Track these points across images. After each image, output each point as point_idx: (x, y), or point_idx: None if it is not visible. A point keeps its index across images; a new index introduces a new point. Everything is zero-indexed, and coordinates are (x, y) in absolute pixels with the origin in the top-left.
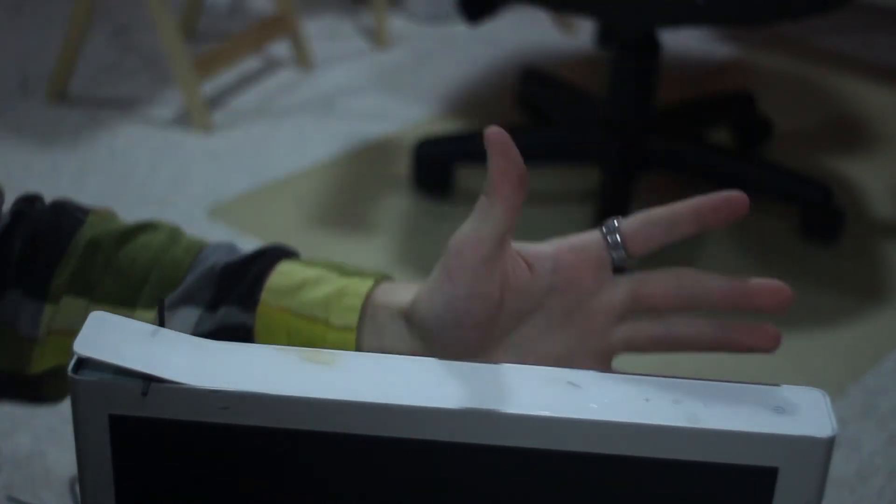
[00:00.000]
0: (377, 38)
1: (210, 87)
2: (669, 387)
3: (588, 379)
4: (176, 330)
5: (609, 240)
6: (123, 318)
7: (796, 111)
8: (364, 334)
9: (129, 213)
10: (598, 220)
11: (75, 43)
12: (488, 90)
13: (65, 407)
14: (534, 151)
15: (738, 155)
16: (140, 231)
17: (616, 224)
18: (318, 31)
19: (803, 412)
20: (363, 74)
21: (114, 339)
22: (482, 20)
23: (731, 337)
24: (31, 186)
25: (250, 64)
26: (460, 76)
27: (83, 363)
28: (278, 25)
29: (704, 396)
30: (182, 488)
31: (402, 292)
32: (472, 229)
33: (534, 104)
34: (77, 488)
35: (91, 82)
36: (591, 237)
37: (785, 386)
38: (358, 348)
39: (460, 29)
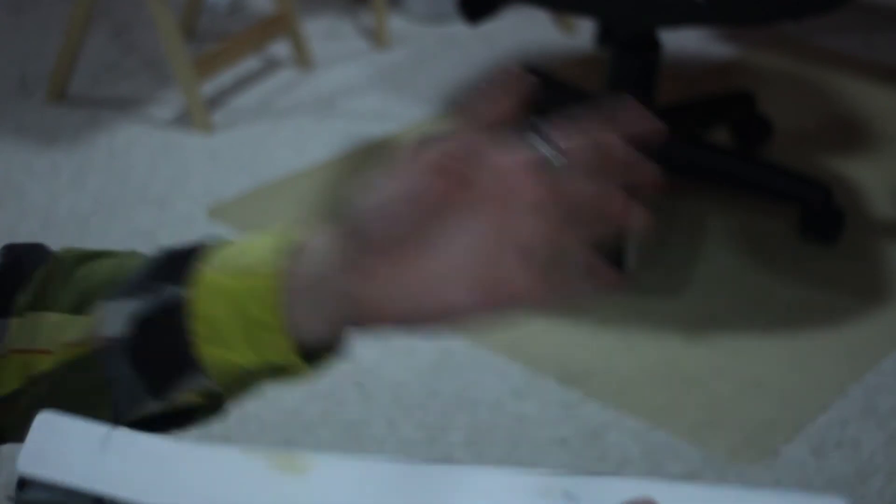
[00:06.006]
0: (377, 38)
1: (210, 87)
2: (678, 496)
3: (586, 488)
4: (113, 322)
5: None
6: (73, 420)
7: (796, 111)
8: (293, 272)
9: (129, 213)
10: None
11: (75, 43)
12: None
13: None
14: None
15: (738, 155)
16: (103, 255)
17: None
18: (318, 31)
19: None
20: (363, 74)
21: (62, 448)
22: (482, 20)
23: (610, 195)
24: (31, 186)
25: (250, 64)
26: (460, 76)
27: (29, 480)
28: (278, 25)
29: None
30: None
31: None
32: None
33: (534, 104)
34: None
35: (91, 82)
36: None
37: (806, 495)
38: (290, 279)
39: (460, 29)
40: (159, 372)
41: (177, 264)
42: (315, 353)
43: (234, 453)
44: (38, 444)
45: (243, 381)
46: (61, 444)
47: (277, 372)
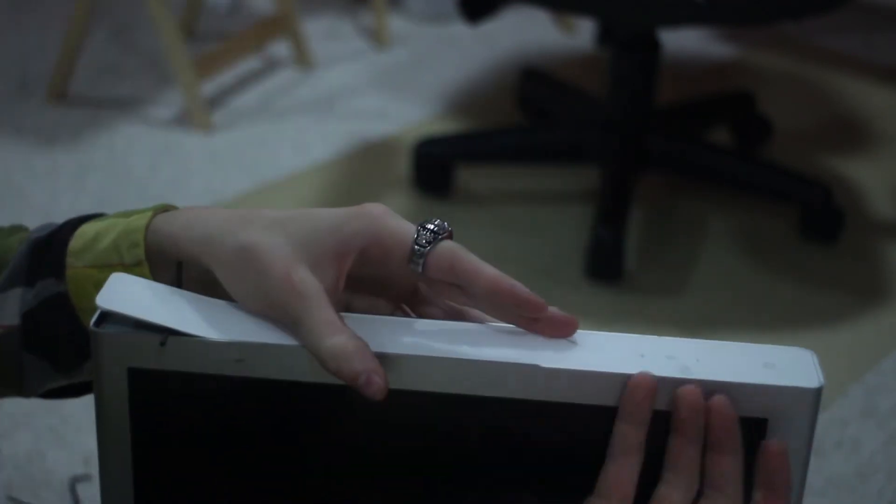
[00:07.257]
0: (377, 38)
1: (210, 87)
2: (664, 345)
3: (585, 336)
4: (8, 312)
5: (416, 254)
6: (143, 279)
7: (796, 111)
8: (154, 266)
9: None
10: (598, 220)
11: (75, 43)
12: (488, 90)
13: (65, 407)
14: (534, 151)
15: (737, 155)
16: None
17: (428, 248)
18: (318, 31)
19: (791, 367)
20: (363, 74)
21: (134, 295)
22: (482, 20)
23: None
24: (31, 186)
25: (250, 64)
26: (460, 76)
27: (105, 317)
28: (278, 25)
29: (697, 353)
30: (198, 439)
31: (182, 219)
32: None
33: (534, 104)
34: (77, 489)
35: (91, 82)
36: (402, 241)
37: (774, 346)
38: (155, 279)
39: (460, 29)
40: (64, 356)
41: (49, 255)
42: None
43: None
44: (113, 291)
45: None
46: (133, 292)
47: None
